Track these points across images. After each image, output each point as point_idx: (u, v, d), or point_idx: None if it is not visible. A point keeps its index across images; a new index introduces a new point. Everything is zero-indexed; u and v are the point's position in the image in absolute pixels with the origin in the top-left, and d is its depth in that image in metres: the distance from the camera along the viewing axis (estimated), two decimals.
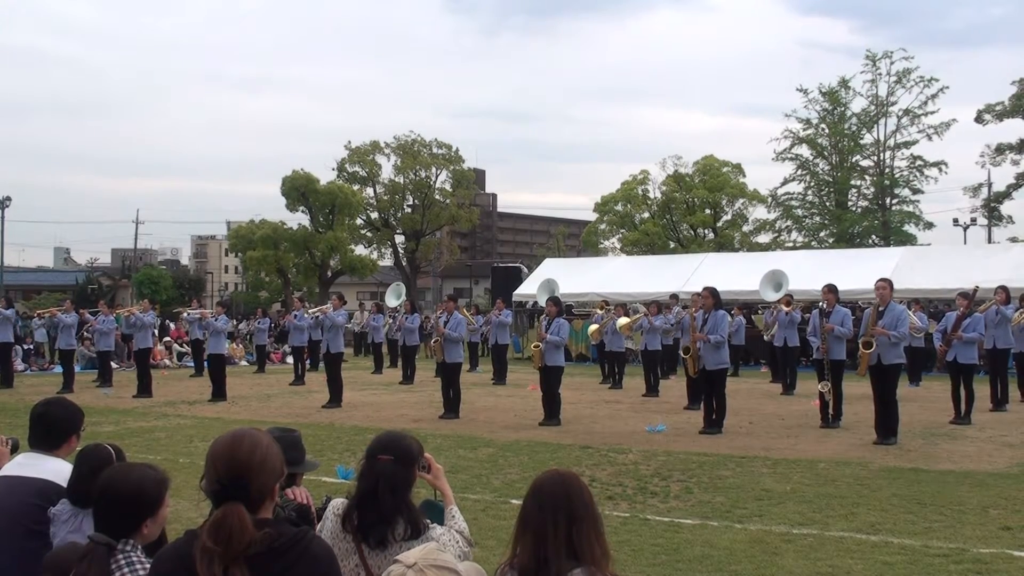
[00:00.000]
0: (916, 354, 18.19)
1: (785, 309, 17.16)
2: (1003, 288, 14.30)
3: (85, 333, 22.75)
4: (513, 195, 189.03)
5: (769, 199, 48.20)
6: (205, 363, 22.19)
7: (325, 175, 54.78)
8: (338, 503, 3.14)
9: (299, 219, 54.47)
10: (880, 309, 11.14)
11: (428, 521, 3.08)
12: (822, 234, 46.53)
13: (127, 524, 2.76)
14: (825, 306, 12.38)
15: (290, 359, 26.93)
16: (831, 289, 12.48)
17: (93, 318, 21.20)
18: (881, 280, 11.49)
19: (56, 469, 3.63)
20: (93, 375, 20.67)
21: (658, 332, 17.73)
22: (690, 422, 12.74)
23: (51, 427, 3.79)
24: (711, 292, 12.31)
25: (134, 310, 19.18)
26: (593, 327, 19.99)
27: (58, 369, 24.23)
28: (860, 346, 11.03)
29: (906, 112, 44.48)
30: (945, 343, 12.96)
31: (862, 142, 46.18)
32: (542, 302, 23.35)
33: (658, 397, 16.53)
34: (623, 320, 18.10)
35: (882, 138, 45.59)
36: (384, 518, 2.98)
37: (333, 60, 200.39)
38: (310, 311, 20.68)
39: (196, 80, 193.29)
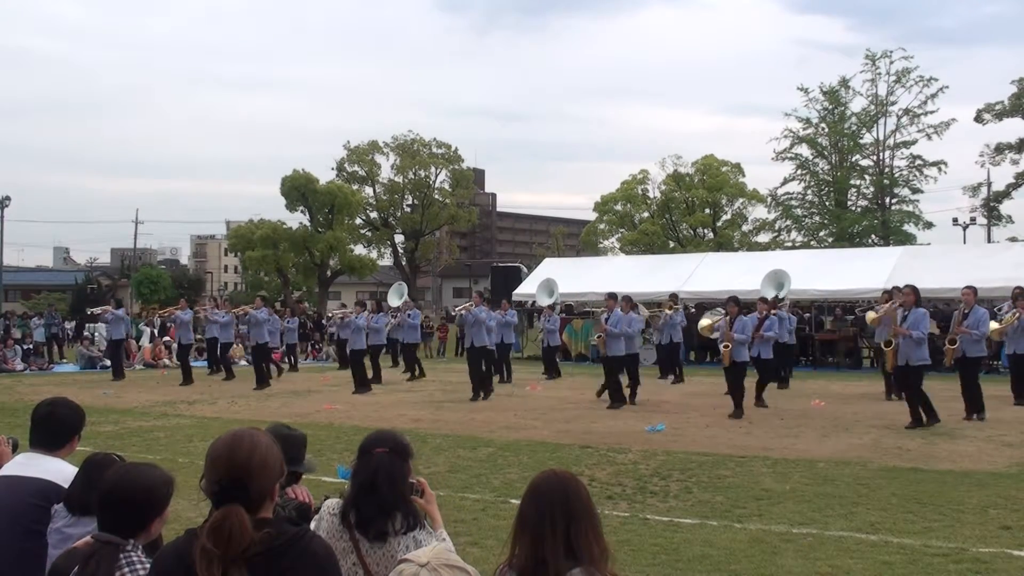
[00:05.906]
0: None
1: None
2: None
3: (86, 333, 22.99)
4: (512, 195, 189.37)
5: (768, 199, 48.21)
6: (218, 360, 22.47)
7: (324, 175, 54.89)
8: (332, 503, 3.15)
9: (298, 219, 54.56)
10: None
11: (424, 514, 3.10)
12: (821, 234, 46.49)
13: (134, 523, 2.76)
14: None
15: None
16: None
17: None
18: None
19: (57, 469, 3.61)
20: (93, 374, 20.68)
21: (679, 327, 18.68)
22: (689, 422, 12.75)
23: (56, 427, 3.76)
24: (912, 289, 12.58)
25: (205, 306, 21.68)
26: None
27: (58, 369, 24.32)
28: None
29: (906, 112, 44.52)
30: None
31: (862, 142, 46.15)
32: (541, 302, 23.45)
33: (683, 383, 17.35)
34: (705, 321, 16.68)
35: (882, 138, 45.64)
36: (383, 510, 3.00)
37: (331, 59, 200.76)
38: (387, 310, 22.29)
39: (195, 80, 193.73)
